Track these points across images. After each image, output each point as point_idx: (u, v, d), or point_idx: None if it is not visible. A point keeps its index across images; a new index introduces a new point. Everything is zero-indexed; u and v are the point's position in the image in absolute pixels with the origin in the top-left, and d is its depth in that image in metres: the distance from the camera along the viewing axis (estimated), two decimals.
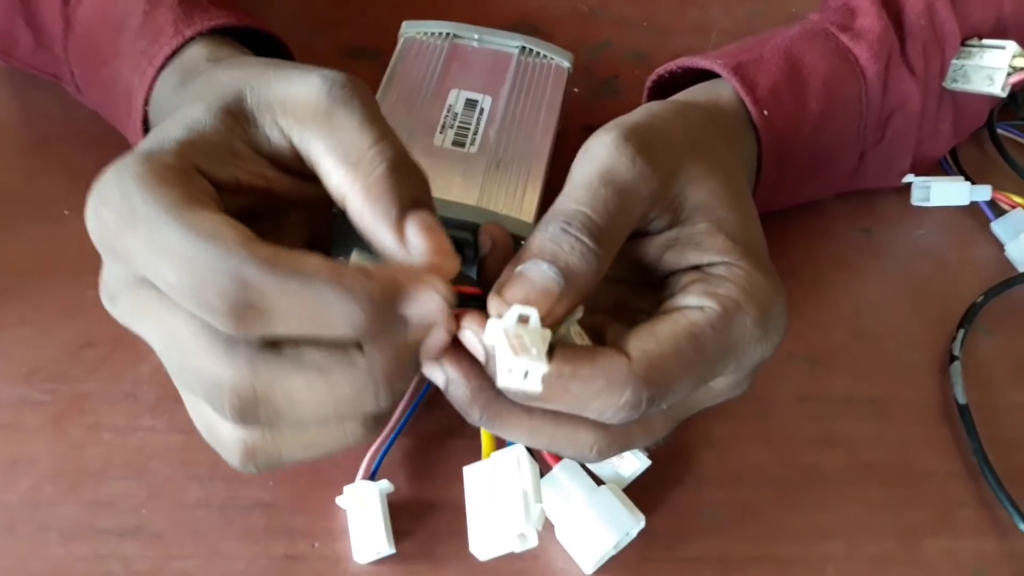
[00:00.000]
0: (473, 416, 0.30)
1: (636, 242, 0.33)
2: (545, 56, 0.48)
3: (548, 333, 0.28)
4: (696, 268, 0.32)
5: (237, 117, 0.30)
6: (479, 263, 0.34)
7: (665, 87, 0.47)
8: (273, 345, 0.27)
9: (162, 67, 0.39)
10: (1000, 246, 0.51)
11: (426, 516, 0.38)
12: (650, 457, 0.38)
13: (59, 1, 0.42)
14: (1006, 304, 0.48)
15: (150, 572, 0.36)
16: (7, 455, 0.38)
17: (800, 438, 0.43)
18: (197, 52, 0.39)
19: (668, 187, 0.32)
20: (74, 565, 0.35)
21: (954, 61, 0.47)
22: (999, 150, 0.54)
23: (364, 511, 0.36)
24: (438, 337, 0.28)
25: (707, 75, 0.45)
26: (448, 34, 0.48)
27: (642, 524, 0.37)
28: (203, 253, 0.25)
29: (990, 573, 0.40)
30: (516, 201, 0.41)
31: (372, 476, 0.37)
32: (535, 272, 0.29)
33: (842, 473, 0.42)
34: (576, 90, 0.53)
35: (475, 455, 0.32)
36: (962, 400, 0.43)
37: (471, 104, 0.45)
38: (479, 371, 0.29)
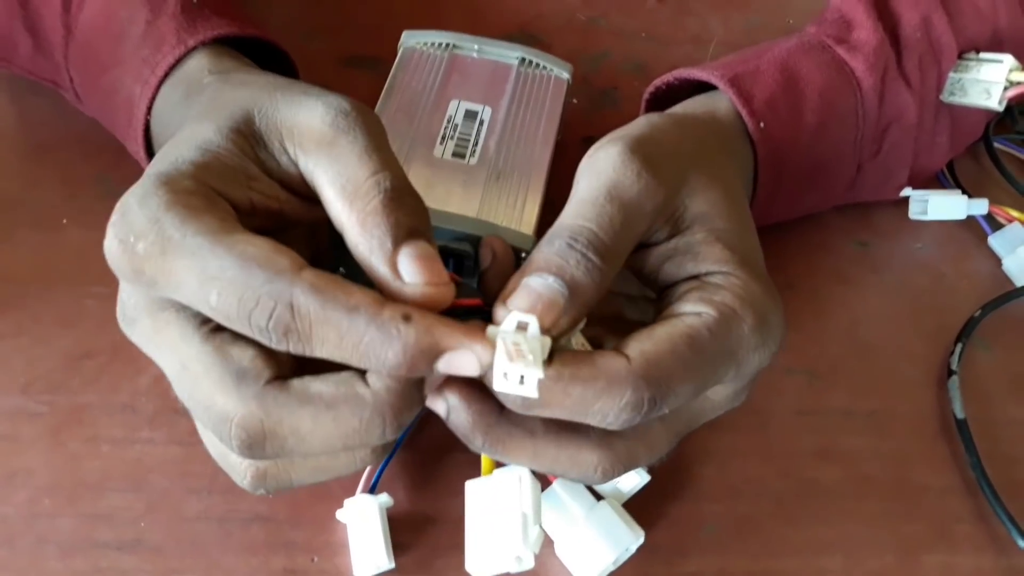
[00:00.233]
0: (476, 442, 0.30)
1: (637, 253, 0.33)
2: (545, 67, 0.48)
3: (548, 341, 0.28)
4: (694, 278, 0.32)
5: (248, 138, 0.30)
6: (480, 276, 0.34)
7: (662, 99, 0.48)
8: (282, 379, 0.28)
9: (165, 77, 0.39)
10: (997, 260, 0.51)
11: (426, 530, 0.38)
12: (649, 472, 0.38)
13: (60, 7, 0.42)
14: (1004, 318, 0.48)
15: None
16: (4, 467, 0.38)
17: (798, 452, 0.43)
18: (199, 62, 0.39)
19: (672, 200, 0.33)
20: None
21: (951, 74, 0.48)
22: (996, 164, 0.55)
23: (364, 525, 0.36)
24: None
25: (704, 87, 0.45)
26: (448, 44, 0.48)
27: (641, 539, 0.37)
28: (252, 277, 0.26)
29: None
30: (516, 213, 0.41)
31: (372, 490, 0.37)
32: (540, 284, 0.29)
33: (840, 487, 0.42)
34: (575, 101, 0.53)
35: (475, 469, 0.32)
36: (960, 415, 0.43)
37: (471, 115, 0.45)
38: (480, 396, 0.30)
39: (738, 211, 0.34)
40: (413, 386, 0.28)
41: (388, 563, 0.36)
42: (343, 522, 0.37)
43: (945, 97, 0.48)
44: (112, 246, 0.28)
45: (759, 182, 0.43)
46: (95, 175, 0.47)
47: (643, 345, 0.29)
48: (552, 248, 0.30)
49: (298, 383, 0.28)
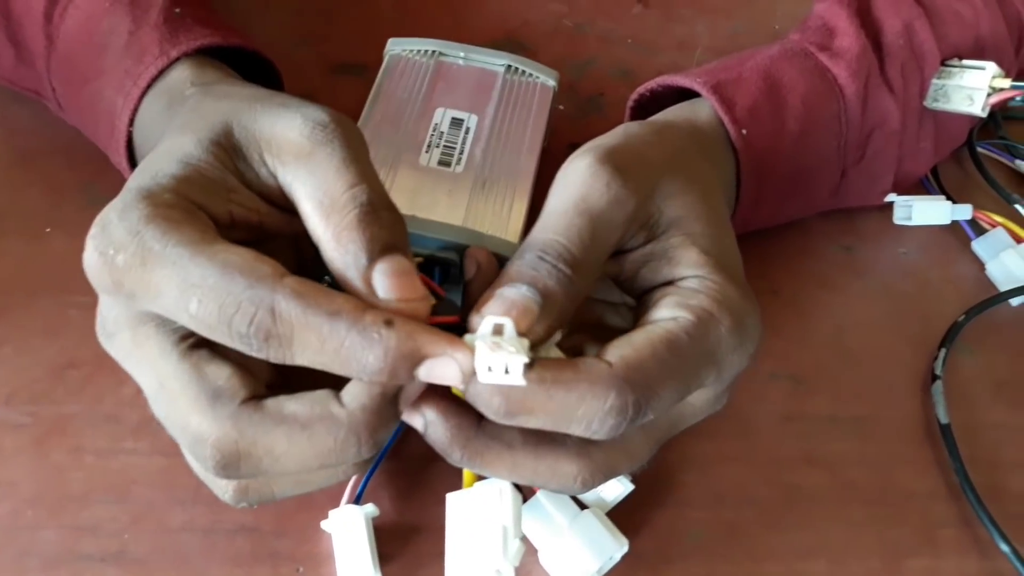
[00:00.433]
0: (454, 456, 0.30)
1: (614, 260, 0.33)
2: (531, 75, 0.48)
3: (526, 341, 0.28)
4: (670, 283, 0.32)
5: (227, 151, 0.30)
6: (464, 287, 0.34)
7: (647, 106, 0.48)
8: (258, 398, 0.28)
9: (147, 88, 0.39)
10: (981, 265, 0.51)
11: (411, 539, 0.38)
12: (633, 481, 0.38)
13: (42, 18, 0.41)
14: (987, 323, 0.49)
15: None
16: None
17: (782, 458, 0.43)
18: (182, 73, 0.39)
19: (644, 207, 0.33)
20: None
21: (935, 81, 0.48)
22: (979, 169, 0.55)
23: (349, 535, 0.36)
24: (417, 384, 0.28)
25: (688, 94, 0.45)
26: (434, 52, 0.48)
27: (625, 548, 0.37)
28: (233, 284, 0.26)
29: None
30: (502, 221, 0.41)
31: (357, 500, 0.37)
32: (514, 292, 0.29)
33: (824, 493, 0.42)
34: (561, 107, 0.53)
35: (460, 479, 0.32)
36: (944, 420, 0.44)
37: (457, 123, 0.45)
38: (458, 410, 0.30)
39: (714, 214, 0.34)
40: (388, 404, 0.28)
41: (374, 573, 0.36)
42: (328, 532, 0.37)
43: (928, 103, 0.48)
44: (92, 259, 0.28)
45: (742, 189, 0.44)
46: (80, 184, 0.46)
47: (623, 351, 0.29)
48: (523, 262, 0.30)
49: (272, 403, 0.28)
